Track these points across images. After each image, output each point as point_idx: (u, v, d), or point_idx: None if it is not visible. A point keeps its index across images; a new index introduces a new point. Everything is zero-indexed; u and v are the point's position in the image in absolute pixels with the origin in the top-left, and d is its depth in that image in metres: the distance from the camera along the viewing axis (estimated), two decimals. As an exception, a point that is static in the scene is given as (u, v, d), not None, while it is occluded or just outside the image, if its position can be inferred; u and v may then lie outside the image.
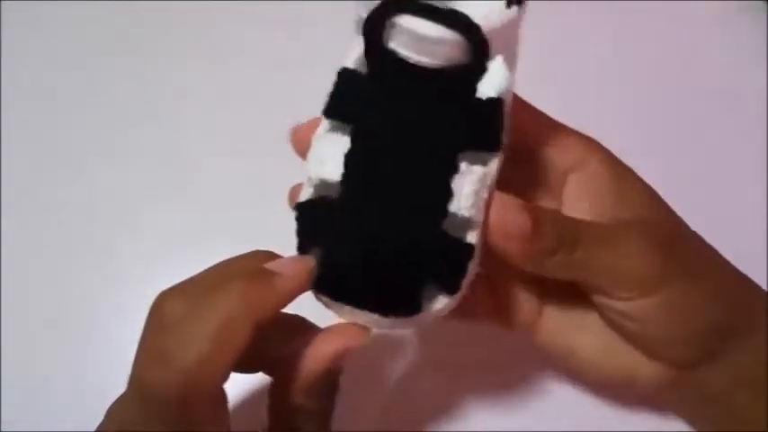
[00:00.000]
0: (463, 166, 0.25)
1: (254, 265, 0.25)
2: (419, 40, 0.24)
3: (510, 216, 0.26)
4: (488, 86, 0.25)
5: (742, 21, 0.47)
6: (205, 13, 0.48)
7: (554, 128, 0.30)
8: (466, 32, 0.24)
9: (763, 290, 0.31)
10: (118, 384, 0.37)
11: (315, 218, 0.26)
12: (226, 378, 0.24)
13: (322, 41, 0.46)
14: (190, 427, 0.23)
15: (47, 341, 0.38)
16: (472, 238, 0.25)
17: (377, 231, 0.25)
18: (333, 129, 0.26)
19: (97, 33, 0.48)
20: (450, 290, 0.25)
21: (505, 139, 0.26)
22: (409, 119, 0.25)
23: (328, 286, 0.25)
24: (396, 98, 0.25)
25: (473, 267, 0.26)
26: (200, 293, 0.24)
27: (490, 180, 0.26)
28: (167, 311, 0.25)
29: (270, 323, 0.24)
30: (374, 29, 0.24)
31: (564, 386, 0.36)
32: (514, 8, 0.24)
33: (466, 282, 0.26)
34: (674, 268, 0.28)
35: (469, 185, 0.25)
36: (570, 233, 0.27)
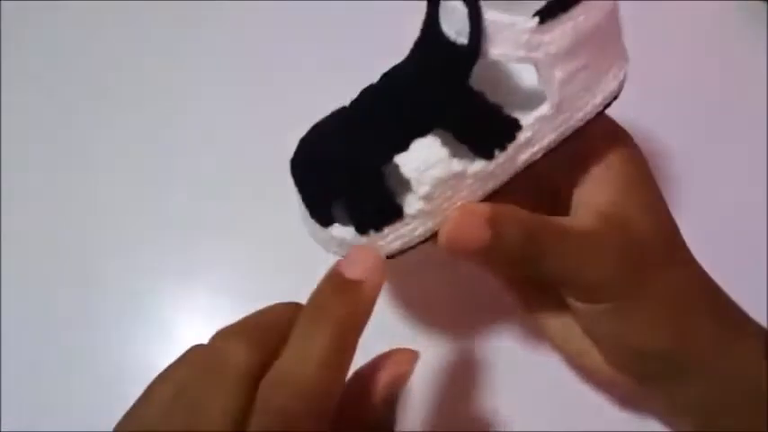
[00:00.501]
0: (430, 139, 0.26)
1: (336, 281, 0.25)
2: (446, 9, 0.26)
3: (469, 229, 0.27)
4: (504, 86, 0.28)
5: (742, 21, 0.47)
6: (205, 13, 0.48)
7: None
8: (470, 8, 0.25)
9: (754, 329, 0.31)
10: (117, 384, 0.37)
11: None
12: (341, 390, 0.24)
13: (320, 42, 0.46)
14: None
15: (47, 341, 0.38)
16: (406, 202, 0.27)
17: (339, 153, 0.28)
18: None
19: (97, 33, 0.48)
20: (358, 227, 0.28)
21: (503, 159, 0.27)
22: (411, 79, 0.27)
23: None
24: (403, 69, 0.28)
25: (405, 231, 0.28)
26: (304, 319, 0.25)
27: (455, 179, 0.27)
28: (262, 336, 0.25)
29: None
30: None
31: (568, 385, 0.36)
32: (536, 18, 0.25)
33: (386, 238, 0.28)
34: (627, 286, 0.28)
35: (426, 153, 0.26)
36: (532, 242, 0.27)
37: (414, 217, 0.27)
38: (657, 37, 0.47)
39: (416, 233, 0.28)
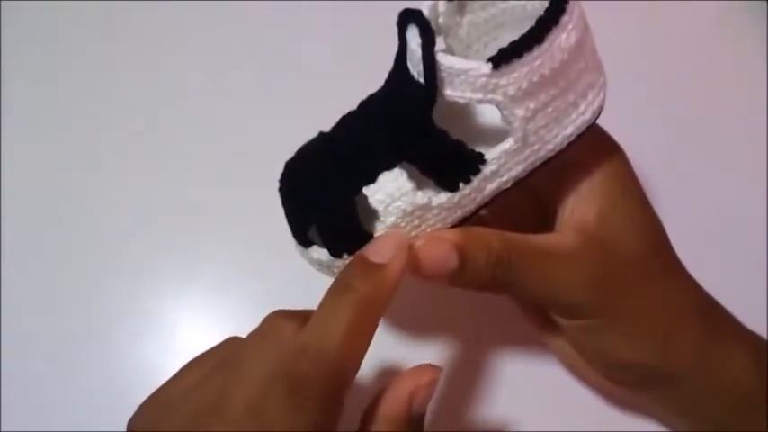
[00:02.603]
0: (396, 172, 0.27)
1: (364, 265, 0.26)
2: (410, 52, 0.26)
3: (437, 256, 0.27)
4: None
5: (742, 21, 0.47)
6: (205, 13, 0.48)
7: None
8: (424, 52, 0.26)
9: (742, 335, 0.31)
10: (118, 384, 0.37)
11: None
12: (358, 369, 0.25)
13: (315, 44, 0.46)
14: (335, 417, 0.25)
15: (47, 341, 0.38)
16: (376, 229, 0.28)
17: (315, 181, 0.29)
18: None
19: (97, 33, 0.48)
20: (331, 251, 0.29)
21: (469, 190, 0.28)
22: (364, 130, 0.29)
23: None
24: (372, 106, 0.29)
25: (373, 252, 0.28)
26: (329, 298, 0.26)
27: (421, 210, 0.28)
28: (281, 324, 0.27)
29: None
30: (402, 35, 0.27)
31: (567, 388, 0.36)
32: (489, 64, 0.26)
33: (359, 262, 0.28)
34: (605, 305, 0.29)
35: (391, 186, 0.27)
36: (503, 266, 0.28)
37: None
38: (657, 37, 0.47)
39: None
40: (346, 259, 0.28)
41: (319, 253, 0.29)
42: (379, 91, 0.29)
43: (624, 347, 0.29)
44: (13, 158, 0.43)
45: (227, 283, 0.39)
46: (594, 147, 0.30)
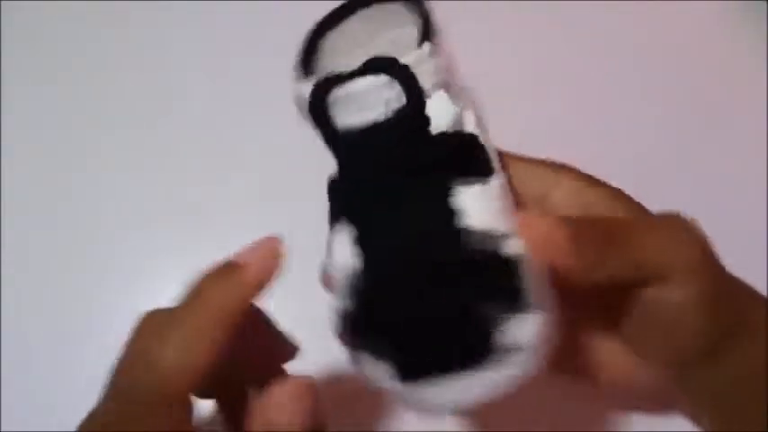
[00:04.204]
0: (458, 189, 0.25)
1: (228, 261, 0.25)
2: (355, 100, 0.25)
3: (543, 232, 0.25)
4: (438, 120, 0.26)
5: (742, 21, 0.47)
6: (205, 13, 0.48)
7: (518, 160, 0.29)
8: (388, 70, 0.25)
9: (760, 294, 0.31)
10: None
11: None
12: (200, 381, 0.24)
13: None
14: (167, 428, 0.23)
15: (47, 341, 0.38)
16: (510, 249, 0.24)
17: (414, 293, 0.23)
18: (336, 230, 0.26)
19: (97, 34, 0.48)
20: (520, 306, 0.23)
21: (493, 156, 0.27)
22: (393, 184, 0.25)
23: (407, 368, 0.23)
24: (369, 169, 0.25)
25: (544, 292, 0.24)
26: (180, 300, 0.25)
27: (496, 194, 0.26)
28: (147, 322, 0.26)
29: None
30: (319, 113, 0.26)
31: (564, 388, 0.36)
32: (426, 45, 0.26)
33: (540, 302, 0.23)
34: (708, 259, 0.28)
35: (474, 200, 0.24)
36: (610, 234, 0.26)
37: None
38: (658, 37, 0.47)
39: None
40: None
41: (528, 325, 0.23)
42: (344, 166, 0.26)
43: (726, 302, 0.28)
44: (13, 158, 0.43)
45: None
46: (548, 170, 0.29)
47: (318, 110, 0.26)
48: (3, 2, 0.48)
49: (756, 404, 0.30)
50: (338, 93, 0.25)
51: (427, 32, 0.26)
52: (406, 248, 0.24)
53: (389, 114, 0.25)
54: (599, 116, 0.43)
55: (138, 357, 0.24)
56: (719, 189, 0.41)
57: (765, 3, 0.47)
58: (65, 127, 0.44)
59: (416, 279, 0.23)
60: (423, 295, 0.23)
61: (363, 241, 0.25)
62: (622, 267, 0.26)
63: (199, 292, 0.25)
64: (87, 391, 0.37)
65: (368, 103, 0.25)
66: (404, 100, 0.25)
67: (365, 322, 0.24)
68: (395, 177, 0.25)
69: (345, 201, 0.26)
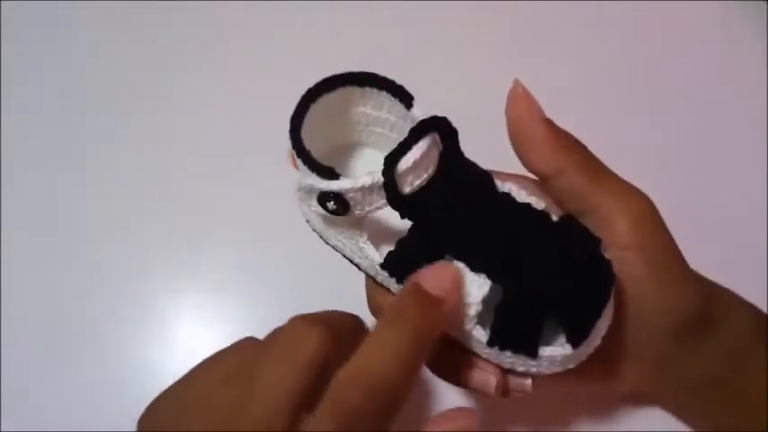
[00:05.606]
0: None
1: (419, 295, 0.25)
2: (418, 165, 0.27)
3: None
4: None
5: (742, 21, 0.47)
6: (205, 13, 0.48)
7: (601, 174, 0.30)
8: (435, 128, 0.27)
9: (723, 287, 0.32)
10: (114, 384, 0.37)
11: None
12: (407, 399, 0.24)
13: (315, 45, 0.46)
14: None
15: (47, 341, 0.38)
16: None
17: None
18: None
19: (97, 34, 0.48)
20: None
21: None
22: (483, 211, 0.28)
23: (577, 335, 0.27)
24: (461, 209, 0.28)
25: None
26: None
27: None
28: (304, 334, 0.25)
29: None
30: (405, 206, 0.27)
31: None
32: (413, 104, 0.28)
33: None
34: (659, 233, 0.30)
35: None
36: (585, 158, 0.29)
37: None
38: (658, 37, 0.47)
39: None
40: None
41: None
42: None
43: (684, 282, 0.30)
44: (13, 158, 0.43)
45: (228, 283, 0.39)
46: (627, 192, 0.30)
47: (406, 205, 0.27)
48: (3, 2, 0.48)
49: (738, 396, 0.30)
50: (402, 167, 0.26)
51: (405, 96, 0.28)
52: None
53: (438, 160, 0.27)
54: (597, 116, 0.43)
55: (361, 380, 0.23)
56: (719, 189, 0.42)
57: (765, 3, 0.47)
58: (65, 127, 0.44)
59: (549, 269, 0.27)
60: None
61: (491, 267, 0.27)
62: (578, 184, 0.29)
63: (406, 317, 0.25)
64: (88, 391, 0.37)
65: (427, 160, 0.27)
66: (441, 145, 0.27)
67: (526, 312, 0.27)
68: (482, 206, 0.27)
69: (447, 241, 0.27)
